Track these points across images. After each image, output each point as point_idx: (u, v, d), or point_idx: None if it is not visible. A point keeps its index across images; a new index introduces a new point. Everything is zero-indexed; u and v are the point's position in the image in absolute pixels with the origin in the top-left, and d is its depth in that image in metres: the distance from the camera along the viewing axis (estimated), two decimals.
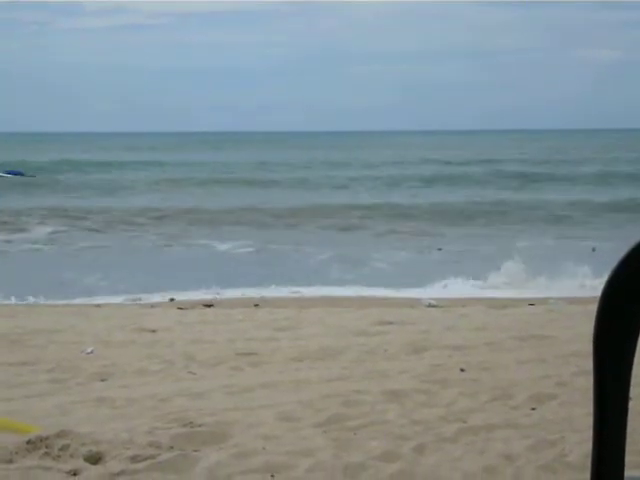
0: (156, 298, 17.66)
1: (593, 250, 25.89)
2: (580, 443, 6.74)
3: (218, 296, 17.78)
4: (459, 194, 43.76)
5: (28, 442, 6.65)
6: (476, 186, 49.56)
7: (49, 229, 31.20)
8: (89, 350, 10.74)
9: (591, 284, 17.59)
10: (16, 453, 6.54)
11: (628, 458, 1.17)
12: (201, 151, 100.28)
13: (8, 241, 28.25)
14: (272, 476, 6.32)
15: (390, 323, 12.85)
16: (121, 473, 6.29)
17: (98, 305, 16.20)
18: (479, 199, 41.12)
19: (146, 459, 6.48)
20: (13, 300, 17.11)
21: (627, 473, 1.17)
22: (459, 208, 37.33)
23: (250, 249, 26.79)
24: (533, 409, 7.99)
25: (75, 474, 6.31)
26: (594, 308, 1.15)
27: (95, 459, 6.53)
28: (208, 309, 15.49)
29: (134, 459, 6.49)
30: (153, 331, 12.25)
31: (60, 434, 6.75)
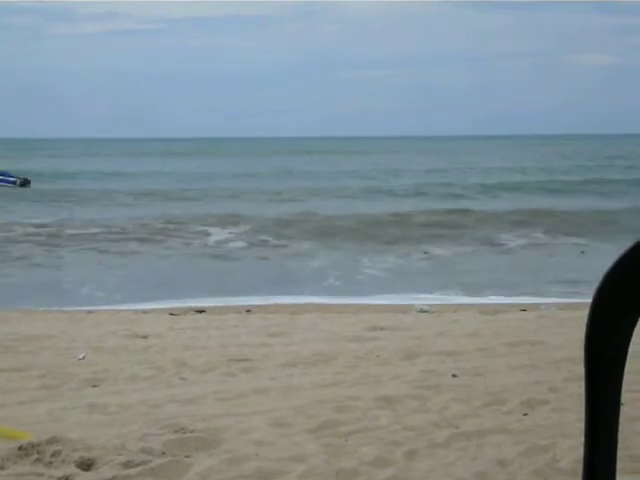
0: (149, 304, 17.64)
1: (582, 253, 26.34)
2: (572, 449, 6.74)
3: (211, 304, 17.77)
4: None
5: (20, 448, 6.63)
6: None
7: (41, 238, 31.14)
8: (81, 356, 10.72)
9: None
10: (7, 459, 6.52)
11: (619, 464, 1.17)
12: (218, 158, 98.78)
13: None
14: None
15: (383, 329, 12.84)
16: (113, 479, 6.28)
17: (90, 311, 16.17)
18: None
19: (138, 465, 6.47)
20: (5, 306, 17.07)
21: (618, 479, 1.18)
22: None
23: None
24: (525, 415, 7.99)
25: None
26: (585, 314, 1.15)
27: (87, 465, 6.52)
28: (200, 315, 15.47)
29: (126, 465, 6.47)
30: (145, 337, 12.22)
31: (52, 440, 6.74)
